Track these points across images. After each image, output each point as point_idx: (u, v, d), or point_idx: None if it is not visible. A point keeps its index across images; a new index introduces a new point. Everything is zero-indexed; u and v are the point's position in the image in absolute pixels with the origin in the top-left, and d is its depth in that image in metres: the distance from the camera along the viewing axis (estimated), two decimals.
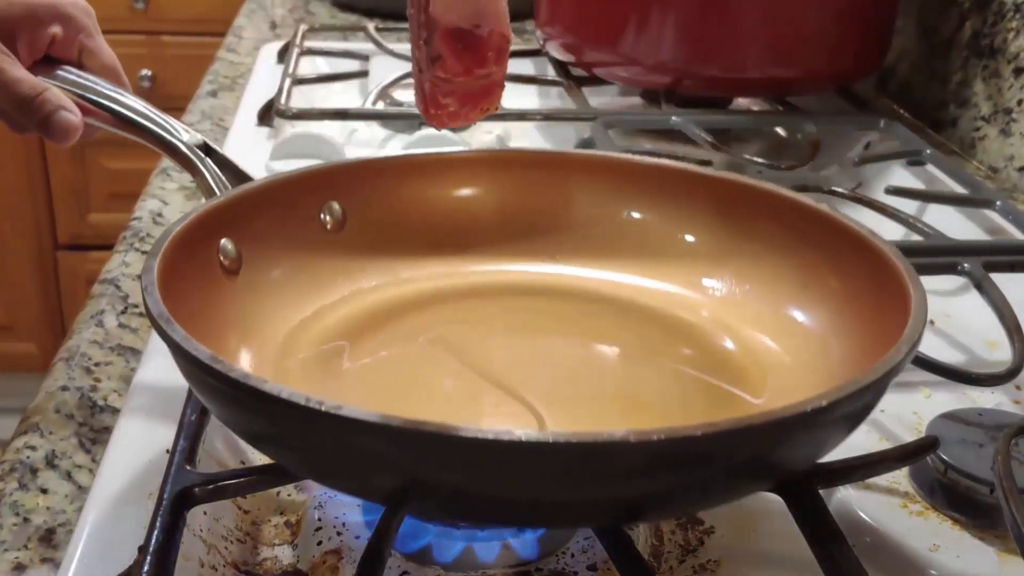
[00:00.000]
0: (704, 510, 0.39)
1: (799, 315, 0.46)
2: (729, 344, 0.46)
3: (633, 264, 0.51)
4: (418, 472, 0.32)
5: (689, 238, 0.51)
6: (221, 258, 0.45)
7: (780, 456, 0.33)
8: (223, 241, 0.45)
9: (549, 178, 0.53)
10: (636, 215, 0.52)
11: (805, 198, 0.48)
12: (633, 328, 0.49)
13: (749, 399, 0.43)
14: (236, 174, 0.50)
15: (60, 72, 0.53)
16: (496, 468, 0.31)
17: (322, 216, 0.50)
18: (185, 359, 0.34)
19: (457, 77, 0.33)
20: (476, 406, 0.43)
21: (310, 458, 0.34)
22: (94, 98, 0.52)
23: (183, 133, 0.51)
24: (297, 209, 0.49)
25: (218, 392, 0.34)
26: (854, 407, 0.33)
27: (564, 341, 0.49)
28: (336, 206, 0.50)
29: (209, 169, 0.50)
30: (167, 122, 0.52)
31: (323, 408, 0.30)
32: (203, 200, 0.48)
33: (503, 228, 0.53)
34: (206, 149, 0.51)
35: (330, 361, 0.45)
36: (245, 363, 0.42)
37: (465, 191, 0.53)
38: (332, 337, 0.46)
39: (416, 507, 0.34)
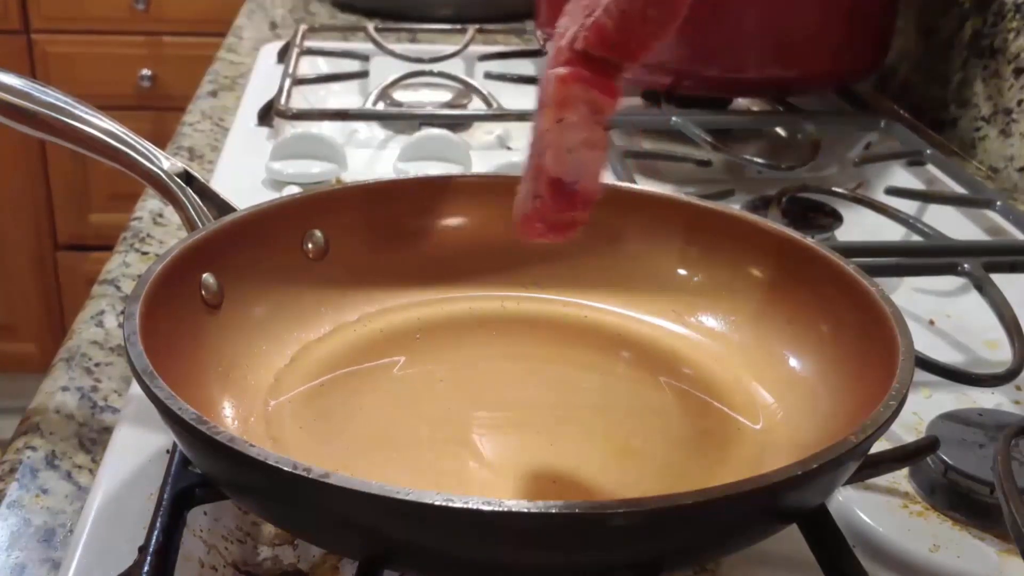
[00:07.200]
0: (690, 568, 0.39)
1: (787, 350, 0.45)
2: (721, 372, 0.46)
3: (622, 295, 0.51)
4: (396, 538, 0.32)
5: (681, 271, 0.50)
6: (203, 293, 0.44)
7: (770, 512, 0.34)
8: (205, 276, 0.44)
9: None
10: (629, 245, 0.51)
11: (794, 233, 0.47)
12: (624, 356, 0.48)
13: (748, 424, 0.43)
14: (217, 204, 0.49)
15: (27, 90, 0.49)
16: (479, 537, 0.31)
17: (304, 245, 0.49)
18: (170, 418, 0.33)
19: (549, 215, 0.38)
20: (464, 457, 0.42)
21: (289, 517, 0.34)
22: (64, 119, 0.49)
23: (163, 161, 0.49)
24: (279, 239, 0.48)
25: (202, 451, 0.34)
26: (845, 463, 0.33)
27: (551, 372, 0.48)
28: (318, 234, 0.49)
29: (190, 199, 0.49)
30: (147, 149, 0.50)
31: (311, 476, 0.30)
32: (184, 233, 0.47)
33: (488, 255, 0.51)
34: (187, 177, 0.49)
35: (317, 402, 0.44)
36: (228, 408, 0.42)
37: (448, 217, 0.52)
38: (317, 373, 0.45)
39: (396, 567, 0.33)
